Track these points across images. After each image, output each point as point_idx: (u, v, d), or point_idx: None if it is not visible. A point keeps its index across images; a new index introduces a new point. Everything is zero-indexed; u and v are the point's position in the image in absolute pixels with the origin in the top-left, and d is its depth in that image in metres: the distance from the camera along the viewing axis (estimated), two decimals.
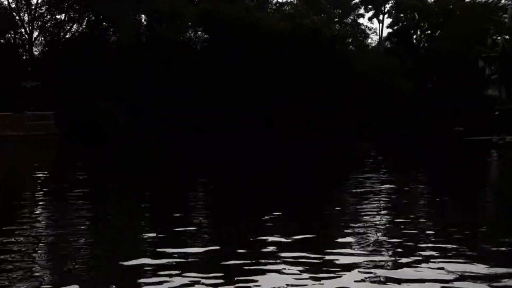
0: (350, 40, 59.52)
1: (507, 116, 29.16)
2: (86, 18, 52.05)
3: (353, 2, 67.25)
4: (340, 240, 9.05)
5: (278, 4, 58.45)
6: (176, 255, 7.84)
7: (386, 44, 69.93)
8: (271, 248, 8.31)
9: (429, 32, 66.55)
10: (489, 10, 62.08)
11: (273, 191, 16.32)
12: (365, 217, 11.47)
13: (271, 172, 22.01)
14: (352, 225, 10.52)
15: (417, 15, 66.56)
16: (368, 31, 67.24)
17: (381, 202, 14.03)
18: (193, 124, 44.23)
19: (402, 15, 67.59)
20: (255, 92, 46.60)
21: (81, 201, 13.36)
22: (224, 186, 17.52)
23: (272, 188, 16.97)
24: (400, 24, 67.67)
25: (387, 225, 10.79)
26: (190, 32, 53.93)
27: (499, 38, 39.67)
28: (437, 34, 66.40)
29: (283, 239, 8.90)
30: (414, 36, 67.43)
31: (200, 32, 54.02)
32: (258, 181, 19.01)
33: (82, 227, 10.21)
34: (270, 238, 8.89)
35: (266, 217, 10.95)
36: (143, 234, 9.43)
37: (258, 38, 48.23)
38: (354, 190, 16.11)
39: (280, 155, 33.20)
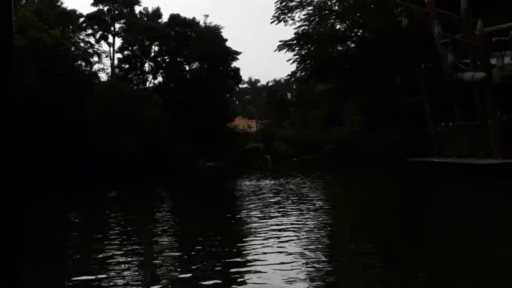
0: (81, 62, 50.48)
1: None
2: None
3: (81, 20, 58.06)
4: None
5: None
6: None
7: (117, 71, 61.50)
8: None
9: (166, 58, 61.01)
10: None
11: None
12: None
13: None
14: None
15: (147, 39, 60.39)
16: (102, 54, 58.54)
17: None
18: None
19: (131, 38, 60.54)
20: None
21: None
22: None
23: None
24: (130, 48, 60.78)
25: None
26: None
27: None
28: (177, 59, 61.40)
29: None
30: (147, 64, 61.04)
31: None
32: None
33: None
34: None
35: None
36: None
37: None
38: None
39: None
